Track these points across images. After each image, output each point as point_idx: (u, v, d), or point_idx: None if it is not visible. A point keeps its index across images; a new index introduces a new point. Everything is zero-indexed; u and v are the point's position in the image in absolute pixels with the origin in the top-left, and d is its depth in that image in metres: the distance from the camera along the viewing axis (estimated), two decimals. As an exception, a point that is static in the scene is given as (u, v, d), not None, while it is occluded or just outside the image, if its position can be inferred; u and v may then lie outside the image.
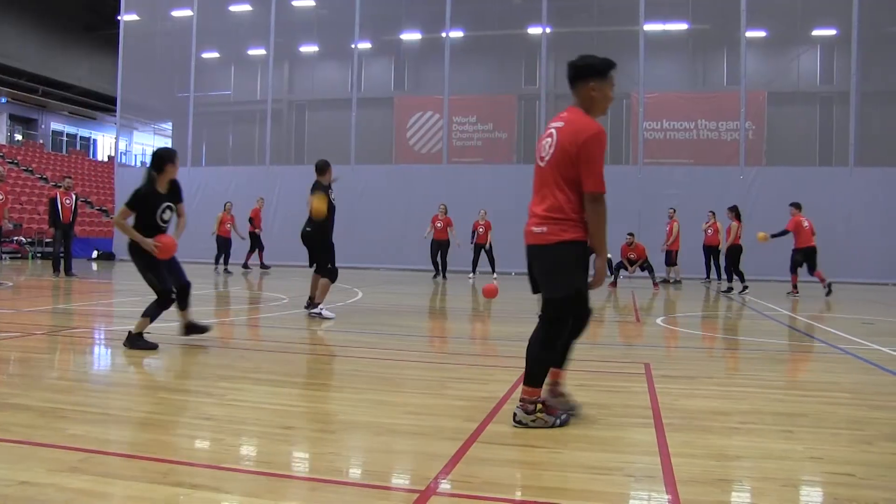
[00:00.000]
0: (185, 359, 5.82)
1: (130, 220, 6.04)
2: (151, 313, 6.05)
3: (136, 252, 6.05)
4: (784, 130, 22.28)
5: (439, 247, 17.78)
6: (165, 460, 3.08)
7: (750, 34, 20.80)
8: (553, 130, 3.77)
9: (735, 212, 15.16)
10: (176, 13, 25.50)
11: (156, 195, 6.07)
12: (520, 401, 3.76)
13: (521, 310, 11.26)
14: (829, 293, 13.76)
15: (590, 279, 3.77)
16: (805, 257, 14.10)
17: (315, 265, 8.72)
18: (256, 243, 19.46)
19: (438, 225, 17.71)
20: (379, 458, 3.32)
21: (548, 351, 3.76)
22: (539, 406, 3.74)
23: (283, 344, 6.82)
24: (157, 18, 25.73)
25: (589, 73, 3.78)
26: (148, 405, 4.10)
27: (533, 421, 3.71)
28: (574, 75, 3.82)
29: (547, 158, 3.75)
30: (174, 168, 6.18)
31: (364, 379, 5.06)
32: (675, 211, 17.70)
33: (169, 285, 6.09)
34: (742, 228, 15.00)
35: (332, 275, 8.54)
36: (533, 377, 3.74)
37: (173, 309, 6.19)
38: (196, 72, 24.44)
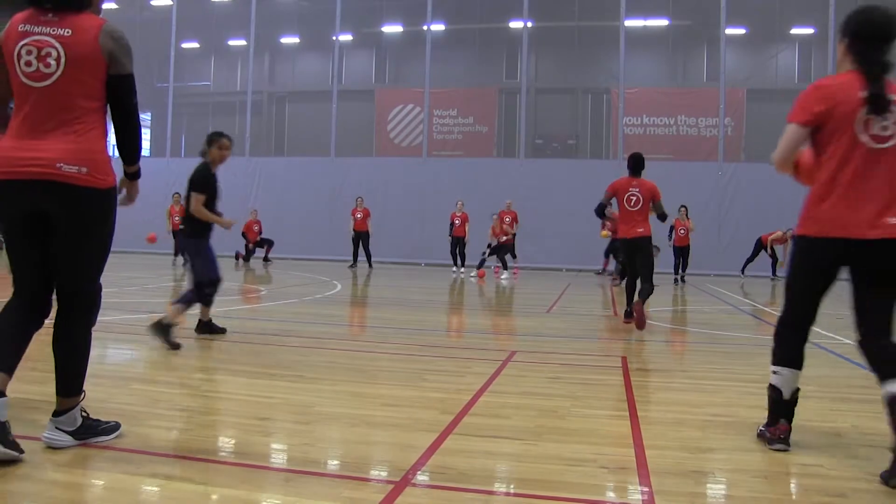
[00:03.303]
0: (160, 350, 5.78)
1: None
2: None
3: None
4: (762, 127, 22.44)
5: (359, 237, 17.81)
6: (140, 451, 3.07)
7: (729, 31, 20.97)
8: None
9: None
10: (155, 2, 25.25)
11: None
12: None
13: (498, 303, 11.30)
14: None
15: None
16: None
17: None
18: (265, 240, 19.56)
19: (358, 216, 17.80)
20: (355, 450, 3.32)
21: None
22: None
23: (259, 335, 6.79)
24: (136, 7, 25.40)
25: None
26: (122, 396, 4.07)
27: None
28: None
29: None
30: None
31: (340, 370, 5.05)
32: None
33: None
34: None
35: None
36: None
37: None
38: (175, 62, 24.17)
